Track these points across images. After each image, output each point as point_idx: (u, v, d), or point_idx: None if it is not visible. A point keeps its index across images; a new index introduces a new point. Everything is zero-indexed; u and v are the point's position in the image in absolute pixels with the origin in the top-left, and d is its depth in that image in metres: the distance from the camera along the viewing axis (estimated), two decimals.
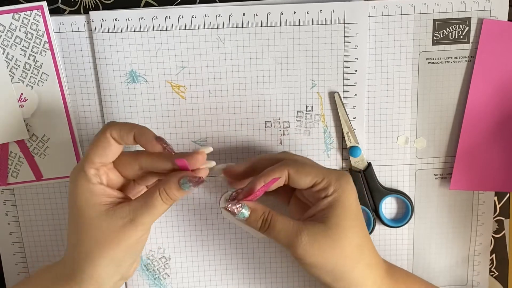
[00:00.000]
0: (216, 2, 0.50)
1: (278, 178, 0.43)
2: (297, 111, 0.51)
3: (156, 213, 0.41)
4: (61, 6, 0.50)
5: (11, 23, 0.48)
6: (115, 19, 0.49)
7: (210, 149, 0.43)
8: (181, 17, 0.49)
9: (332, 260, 0.42)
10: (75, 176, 0.42)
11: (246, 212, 0.43)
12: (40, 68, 0.49)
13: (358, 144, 0.52)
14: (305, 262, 0.42)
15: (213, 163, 0.44)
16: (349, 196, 0.42)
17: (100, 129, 0.42)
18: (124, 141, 0.42)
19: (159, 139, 0.41)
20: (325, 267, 0.42)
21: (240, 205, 0.42)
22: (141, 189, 0.46)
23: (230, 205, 0.42)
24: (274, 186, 0.43)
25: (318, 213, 0.43)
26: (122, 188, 0.44)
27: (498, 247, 0.56)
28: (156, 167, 0.43)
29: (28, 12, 0.48)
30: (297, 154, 0.47)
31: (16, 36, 0.48)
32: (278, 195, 0.49)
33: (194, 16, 0.49)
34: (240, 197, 0.43)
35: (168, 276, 0.55)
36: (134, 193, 0.46)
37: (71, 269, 0.42)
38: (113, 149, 0.42)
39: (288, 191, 0.48)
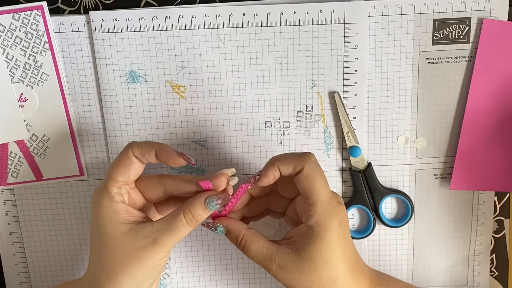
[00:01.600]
0: (216, 2, 0.50)
1: (247, 186, 0.43)
2: (297, 111, 0.51)
3: (179, 235, 0.41)
4: (61, 6, 0.50)
5: (11, 23, 0.48)
6: (115, 19, 0.49)
7: (233, 171, 0.44)
8: (181, 17, 0.49)
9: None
10: (98, 194, 0.42)
11: (221, 230, 0.44)
12: (40, 68, 0.49)
13: (358, 144, 0.52)
14: (278, 281, 0.43)
15: (235, 179, 0.44)
16: (331, 233, 0.42)
17: (123, 149, 0.43)
18: (146, 159, 0.42)
19: (181, 153, 0.42)
20: None
21: (214, 226, 0.44)
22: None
23: (205, 223, 0.44)
24: (271, 180, 0.43)
25: (297, 237, 0.43)
26: (143, 211, 0.45)
27: (498, 247, 0.56)
28: (180, 190, 0.43)
29: (28, 12, 0.48)
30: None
31: (16, 36, 0.48)
32: (271, 213, 0.49)
33: (194, 16, 0.49)
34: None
35: (168, 276, 0.55)
36: (154, 218, 0.46)
37: (92, 286, 0.42)
38: (136, 167, 0.43)
39: (281, 207, 0.48)
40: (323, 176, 0.43)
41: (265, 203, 0.48)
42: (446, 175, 0.53)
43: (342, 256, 0.43)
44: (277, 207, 0.47)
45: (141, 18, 0.49)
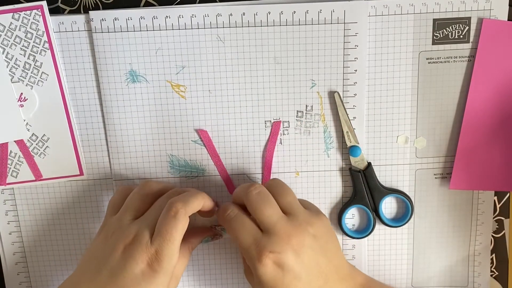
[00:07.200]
0: (216, 1, 0.50)
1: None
2: (297, 111, 0.51)
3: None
4: (61, 5, 0.50)
5: (11, 22, 0.48)
6: (115, 18, 0.49)
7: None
8: (181, 16, 0.49)
9: None
10: (167, 264, 0.43)
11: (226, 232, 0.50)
12: (40, 67, 0.49)
13: (358, 143, 0.52)
14: None
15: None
16: (258, 277, 0.44)
17: (176, 213, 0.43)
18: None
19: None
20: None
21: (220, 229, 0.51)
22: None
23: (213, 226, 0.52)
24: None
25: None
26: None
27: (498, 247, 0.56)
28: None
29: (28, 12, 0.48)
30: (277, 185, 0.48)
31: (16, 35, 0.48)
32: None
33: (194, 16, 0.49)
34: None
35: None
36: None
37: None
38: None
39: None
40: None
41: None
42: (446, 175, 0.53)
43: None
44: None
45: (141, 17, 0.49)
